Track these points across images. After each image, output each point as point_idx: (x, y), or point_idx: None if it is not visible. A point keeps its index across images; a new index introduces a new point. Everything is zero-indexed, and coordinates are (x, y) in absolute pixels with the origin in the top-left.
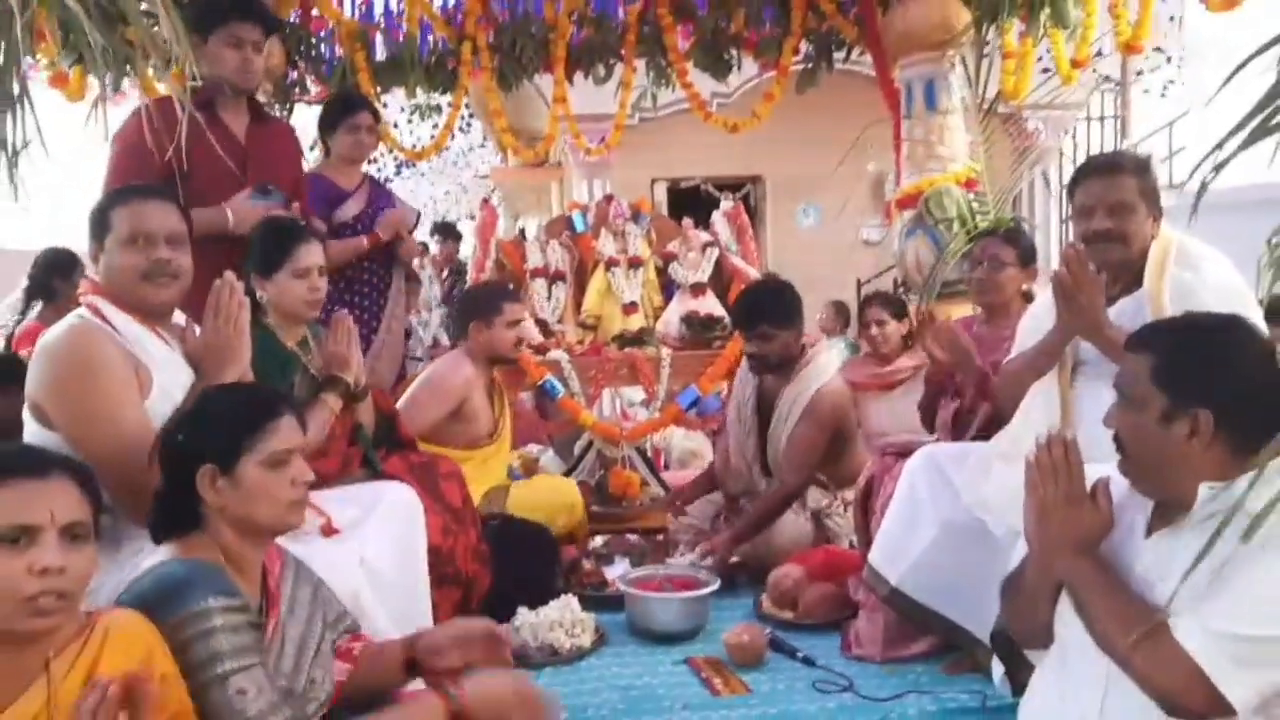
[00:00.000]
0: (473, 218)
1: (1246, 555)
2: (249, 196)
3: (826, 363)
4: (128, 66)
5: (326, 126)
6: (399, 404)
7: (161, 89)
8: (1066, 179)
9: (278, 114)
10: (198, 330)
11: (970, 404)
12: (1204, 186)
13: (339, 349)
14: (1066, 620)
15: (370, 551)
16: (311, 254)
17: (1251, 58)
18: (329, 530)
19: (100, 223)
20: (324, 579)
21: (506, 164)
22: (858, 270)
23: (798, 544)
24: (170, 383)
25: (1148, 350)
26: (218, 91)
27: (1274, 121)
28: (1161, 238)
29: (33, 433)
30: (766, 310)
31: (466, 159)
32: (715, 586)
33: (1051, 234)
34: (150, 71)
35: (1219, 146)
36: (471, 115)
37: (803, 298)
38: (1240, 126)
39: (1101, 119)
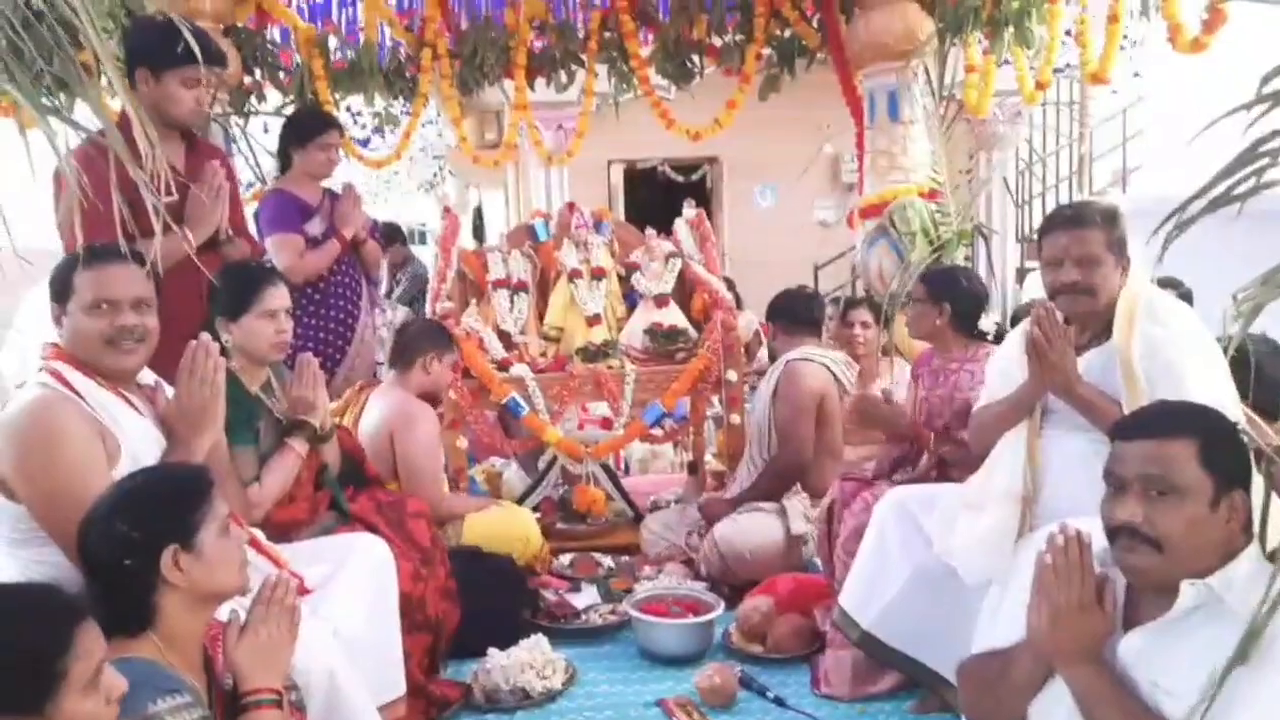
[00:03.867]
0: (424, 189)
1: (1246, 671)
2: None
3: (801, 350)
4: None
5: (296, 141)
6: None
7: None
8: (1023, 165)
9: (233, 126)
10: (168, 390)
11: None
12: (1167, 242)
13: (305, 393)
14: (1046, 714)
15: (343, 616)
16: (278, 296)
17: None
18: (301, 591)
19: (63, 286)
20: (298, 655)
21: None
22: (814, 251)
23: (771, 544)
24: (140, 449)
25: (1185, 435)
26: (159, 125)
27: (1237, 190)
28: (1129, 289)
29: None
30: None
31: (419, 133)
32: (720, 610)
33: (1008, 239)
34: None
35: (1182, 208)
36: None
37: (760, 278)
38: (1208, 188)
39: (1058, 104)
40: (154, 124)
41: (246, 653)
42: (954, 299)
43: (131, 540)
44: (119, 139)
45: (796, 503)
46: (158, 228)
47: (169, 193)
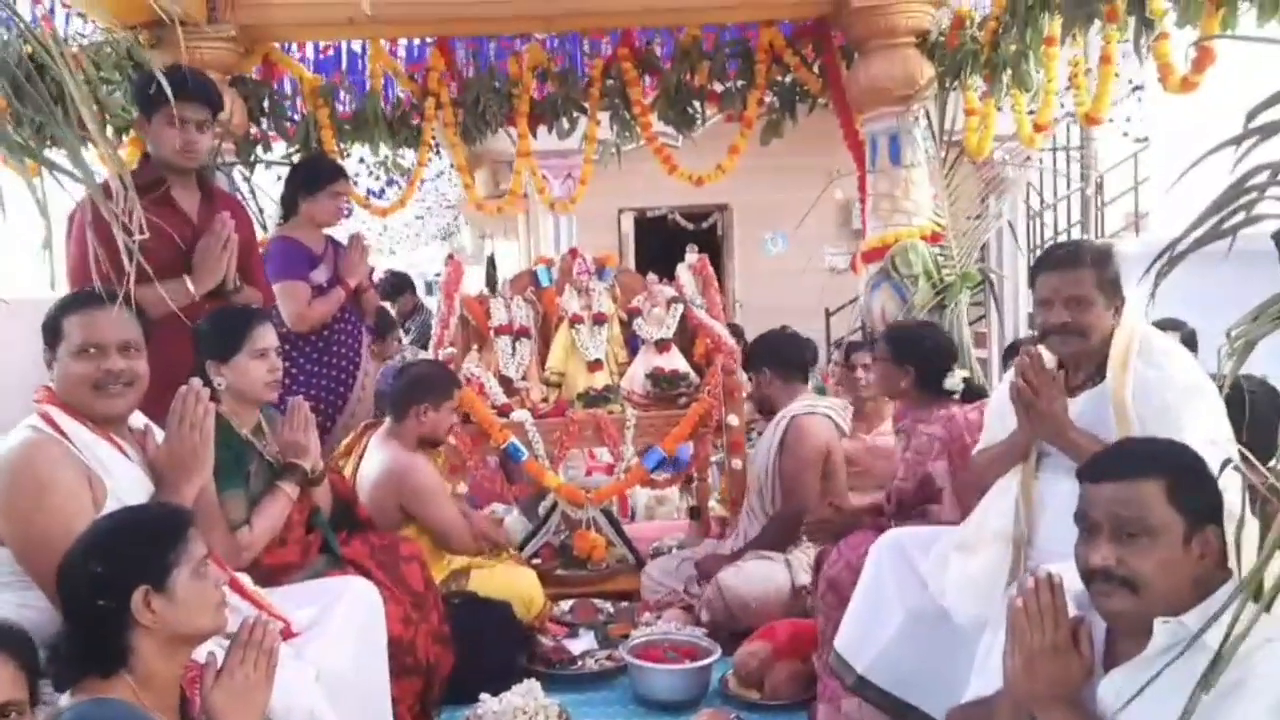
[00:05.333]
0: (441, 238)
1: (1216, 705)
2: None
3: (804, 403)
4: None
5: (306, 189)
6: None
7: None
8: (1034, 211)
9: (240, 175)
10: (158, 434)
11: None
12: (1159, 280)
13: (296, 436)
14: None
15: (329, 659)
16: (268, 335)
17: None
18: (287, 634)
19: (53, 331)
20: (279, 697)
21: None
22: (826, 297)
23: (775, 592)
24: (127, 494)
25: (1151, 475)
26: (166, 170)
27: (1228, 224)
28: (1124, 328)
29: None
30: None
31: (434, 183)
32: (717, 655)
33: (1020, 283)
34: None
35: (1174, 245)
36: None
37: (771, 325)
38: (1197, 224)
39: (1067, 149)
40: (169, 171)
41: (223, 695)
42: (918, 361)
43: (103, 580)
44: (96, 187)
45: (800, 554)
46: (130, 270)
47: (142, 232)
